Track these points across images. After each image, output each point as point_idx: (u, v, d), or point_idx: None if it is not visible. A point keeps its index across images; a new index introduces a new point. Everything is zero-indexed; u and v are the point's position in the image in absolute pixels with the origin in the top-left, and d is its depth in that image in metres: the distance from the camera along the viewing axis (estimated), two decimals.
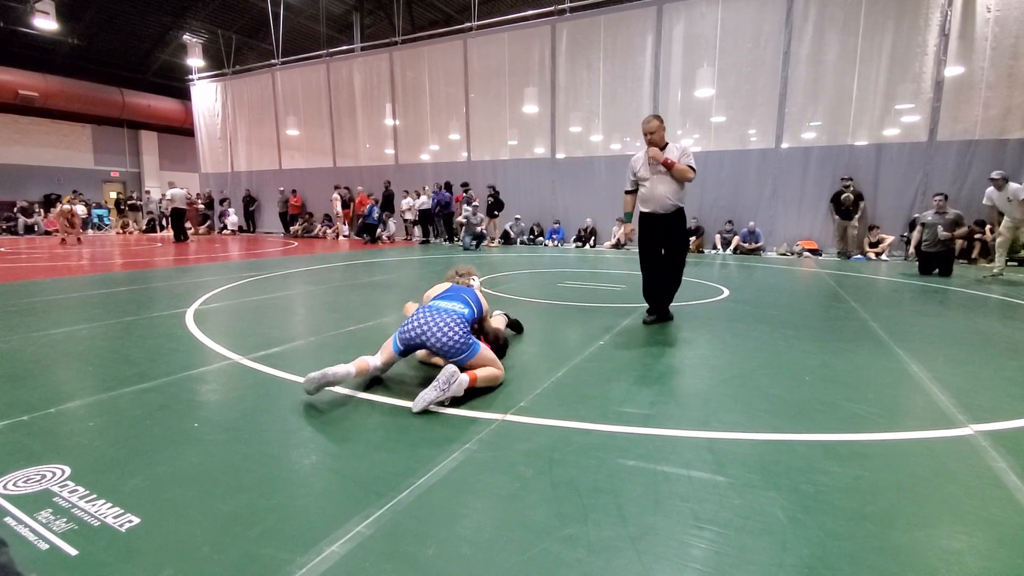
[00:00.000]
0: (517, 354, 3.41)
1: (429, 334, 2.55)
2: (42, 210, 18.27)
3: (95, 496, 1.69)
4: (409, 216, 15.06)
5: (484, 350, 2.64)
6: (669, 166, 4.01)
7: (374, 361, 2.66)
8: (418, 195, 14.67)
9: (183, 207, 13.90)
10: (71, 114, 20.69)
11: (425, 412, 2.36)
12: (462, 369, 2.54)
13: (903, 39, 10.19)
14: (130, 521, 1.56)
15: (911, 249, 9.12)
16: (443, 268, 8.52)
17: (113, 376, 2.93)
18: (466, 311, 2.73)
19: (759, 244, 11.34)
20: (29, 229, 17.85)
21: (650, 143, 4.11)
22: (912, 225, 9.49)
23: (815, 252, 10.98)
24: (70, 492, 1.71)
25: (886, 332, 4.06)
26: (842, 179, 10.62)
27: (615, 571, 1.36)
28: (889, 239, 10.31)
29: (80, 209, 14.01)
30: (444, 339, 2.54)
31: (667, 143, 4.16)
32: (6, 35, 17.33)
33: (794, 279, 7.51)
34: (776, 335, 3.95)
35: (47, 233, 17.16)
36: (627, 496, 1.71)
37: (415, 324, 2.60)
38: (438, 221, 14.49)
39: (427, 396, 2.34)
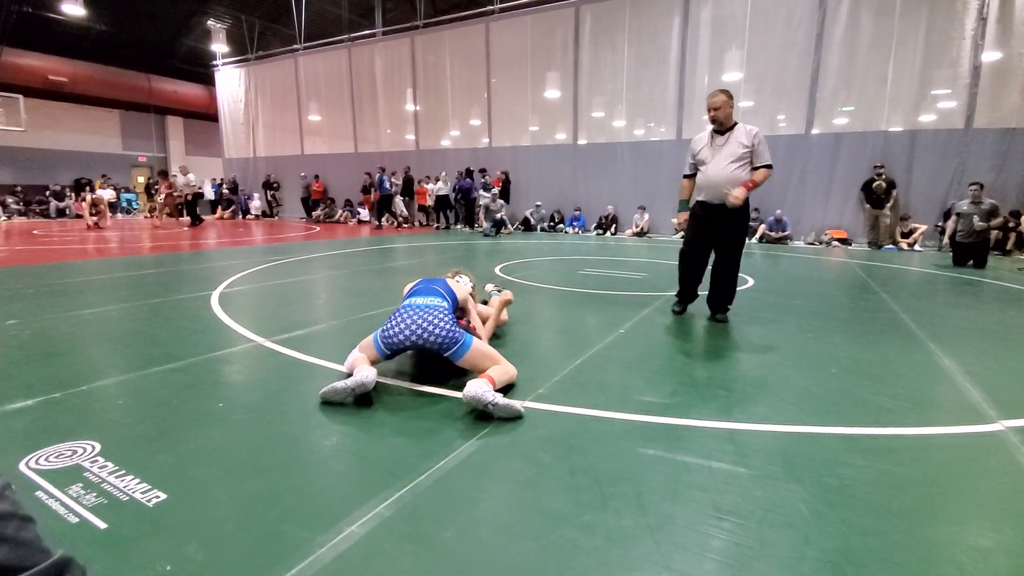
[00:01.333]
0: (536, 341, 3.40)
1: (419, 333, 2.39)
2: (73, 194, 18.73)
3: (124, 472, 1.73)
4: (429, 201, 15.09)
5: (478, 344, 2.46)
6: (751, 185, 3.58)
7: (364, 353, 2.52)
8: (436, 180, 14.67)
9: (200, 191, 14.06)
10: (100, 99, 21.06)
11: (443, 398, 2.37)
12: (458, 364, 2.43)
13: (940, 23, 9.78)
14: (157, 497, 1.60)
15: (945, 239, 8.82)
16: (463, 254, 8.53)
17: (141, 356, 3.01)
18: (445, 303, 2.59)
19: (786, 233, 11.09)
20: (61, 212, 18.36)
21: (713, 120, 3.68)
22: (947, 215, 9.18)
23: (844, 242, 10.70)
24: (100, 467, 1.76)
25: (917, 325, 3.94)
26: (874, 167, 10.30)
27: (633, 560, 1.35)
28: (922, 229, 9.99)
29: (109, 193, 14.27)
30: (435, 333, 2.38)
31: (735, 123, 3.70)
32: (35, 21, 17.65)
33: (822, 269, 7.34)
34: (802, 326, 3.87)
35: (78, 216, 17.62)
36: (646, 485, 1.70)
37: (400, 326, 2.42)
38: (459, 207, 14.49)
39: (511, 411, 2.16)
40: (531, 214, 13.83)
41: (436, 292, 2.68)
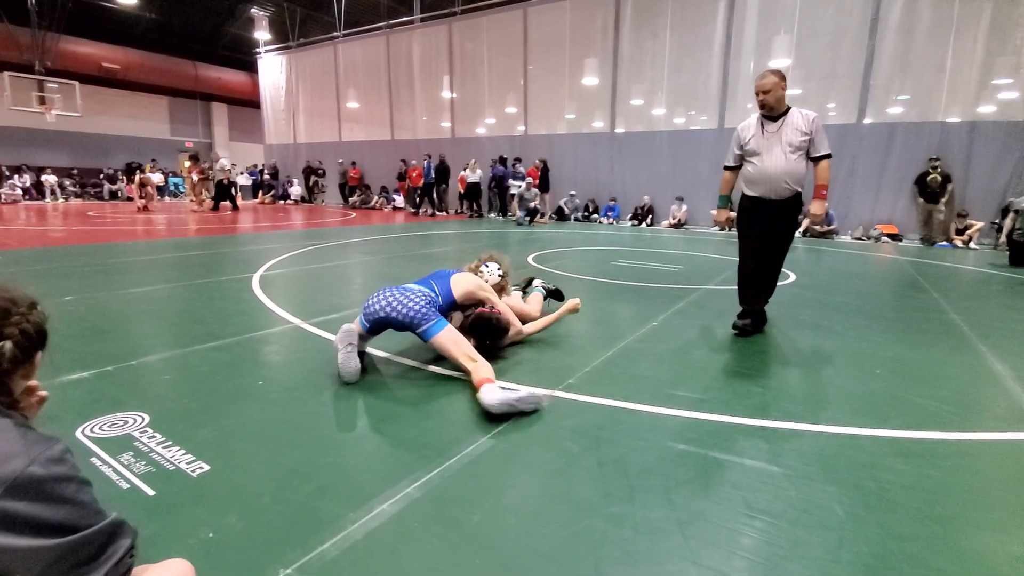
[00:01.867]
0: (567, 331, 3.39)
1: (393, 305, 2.48)
2: (124, 177, 19.58)
3: (170, 443, 1.82)
4: (461, 190, 15.13)
5: (449, 330, 2.45)
6: (824, 192, 3.27)
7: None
8: (465, 168, 14.67)
9: (233, 179, 14.39)
10: (149, 86, 21.85)
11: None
12: (428, 344, 2.48)
13: (1003, 7, 9.15)
14: (201, 468, 1.68)
15: (1002, 237, 8.34)
16: (495, 243, 8.55)
17: (186, 334, 3.14)
18: (431, 293, 2.62)
19: (832, 227, 10.67)
20: (113, 195, 19.24)
21: (763, 105, 3.24)
22: (1005, 211, 8.67)
23: (895, 237, 10.23)
24: (149, 438, 1.85)
25: (969, 326, 3.76)
26: (929, 159, 9.78)
27: (661, 553, 1.34)
28: (978, 226, 9.47)
29: (157, 177, 14.79)
30: (406, 306, 2.46)
31: (788, 108, 3.27)
32: (91, 9, 18.38)
33: (869, 265, 7.06)
34: (845, 324, 3.74)
35: (129, 199, 18.43)
36: (676, 479, 1.68)
37: (378, 301, 2.53)
38: (493, 195, 14.49)
39: (538, 399, 2.16)
40: (565, 203, 13.71)
41: (430, 284, 2.71)
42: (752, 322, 3.40)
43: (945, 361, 2.98)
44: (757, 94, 3.26)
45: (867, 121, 10.51)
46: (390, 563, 1.29)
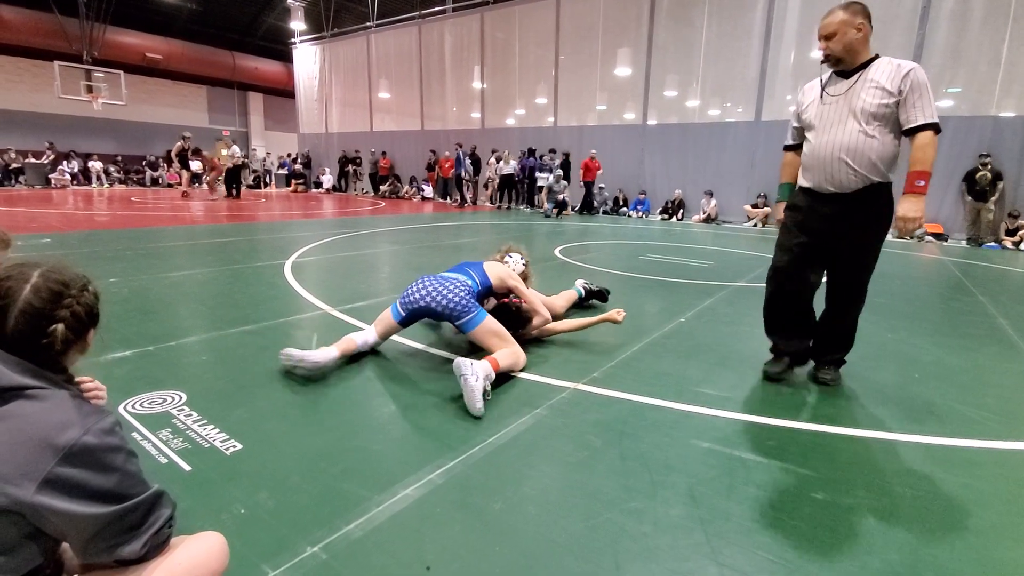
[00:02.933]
0: (594, 326, 3.37)
1: (433, 296, 2.48)
2: (165, 164, 20.21)
3: (206, 421, 1.89)
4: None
5: (489, 321, 2.47)
6: (921, 183, 2.12)
7: (363, 338, 2.58)
8: (499, 159, 14.64)
9: (243, 164, 14.61)
10: (189, 76, 22.45)
11: (496, 376, 2.41)
12: (467, 336, 2.49)
13: None
14: (234, 446, 1.74)
15: None
16: (522, 235, 8.54)
17: (222, 317, 3.24)
18: (469, 282, 2.63)
19: None
20: (155, 181, 19.91)
21: (827, 56, 2.26)
22: None
23: (939, 237, 9.82)
24: (186, 416, 1.93)
25: (1016, 331, 3.59)
26: (980, 155, 9.35)
27: (681, 550, 1.34)
28: None
29: (196, 166, 15.14)
30: (447, 297, 2.46)
31: (875, 56, 2.26)
32: (135, 0, 18.93)
33: (911, 265, 6.80)
34: (883, 326, 3.62)
35: (170, 186, 19.05)
36: (699, 477, 1.66)
37: (418, 290, 2.53)
38: (521, 187, 14.45)
39: (470, 399, 2.03)
40: (594, 196, 13.58)
41: (465, 271, 2.74)
42: (792, 364, 2.57)
43: (989, 367, 2.86)
44: (819, 39, 2.30)
45: None
46: (412, 546, 1.31)
